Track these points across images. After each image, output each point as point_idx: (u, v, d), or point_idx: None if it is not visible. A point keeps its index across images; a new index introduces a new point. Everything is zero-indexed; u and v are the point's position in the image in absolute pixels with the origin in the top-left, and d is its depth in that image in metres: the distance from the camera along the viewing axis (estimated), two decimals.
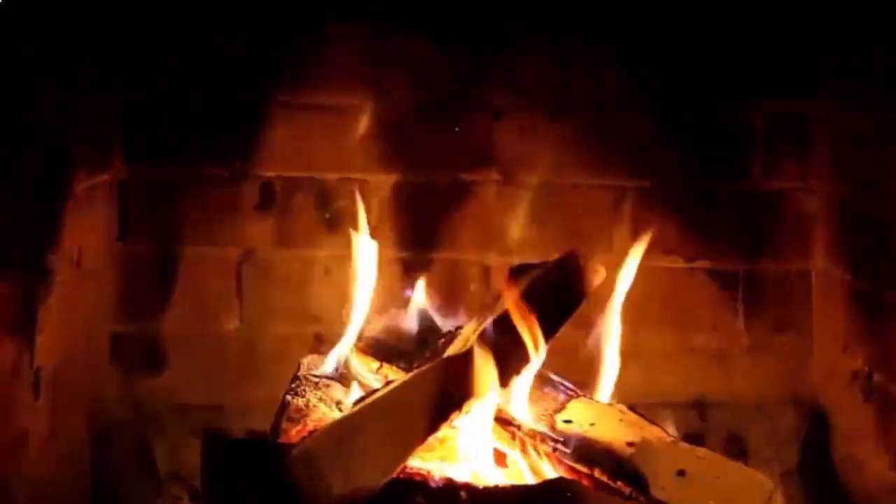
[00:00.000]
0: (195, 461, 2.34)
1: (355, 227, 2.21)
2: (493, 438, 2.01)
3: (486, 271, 2.46)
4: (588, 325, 2.26)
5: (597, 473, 1.92)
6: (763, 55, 2.43)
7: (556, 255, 2.12)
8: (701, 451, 2.02)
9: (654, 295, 2.48)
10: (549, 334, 2.00)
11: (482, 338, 1.96)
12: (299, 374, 2.12)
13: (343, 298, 2.20)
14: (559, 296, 2.04)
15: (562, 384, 2.09)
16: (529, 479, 1.97)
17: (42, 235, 2.01)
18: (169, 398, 2.44)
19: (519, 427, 2.00)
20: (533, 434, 2.00)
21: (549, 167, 2.45)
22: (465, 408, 1.93)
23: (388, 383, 1.97)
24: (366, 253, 2.20)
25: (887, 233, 2.17)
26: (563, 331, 2.06)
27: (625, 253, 2.15)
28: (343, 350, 2.15)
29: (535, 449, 1.99)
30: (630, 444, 1.93)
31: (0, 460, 1.88)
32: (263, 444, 1.99)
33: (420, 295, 2.21)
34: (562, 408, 2.03)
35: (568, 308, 2.05)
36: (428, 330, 2.15)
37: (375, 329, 2.16)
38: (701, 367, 2.50)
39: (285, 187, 2.46)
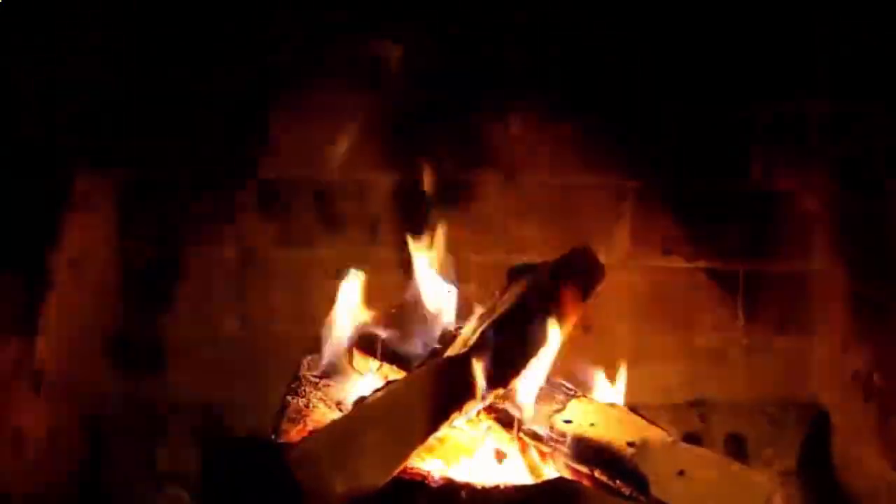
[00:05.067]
0: (195, 461, 2.35)
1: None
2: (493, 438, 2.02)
3: (486, 271, 2.46)
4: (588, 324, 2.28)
5: (597, 473, 1.93)
6: (763, 55, 2.43)
7: (556, 256, 2.12)
8: (701, 451, 2.02)
9: (654, 295, 2.48)
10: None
11: (482, 338, 1.97)
12: (299, 374, 2.12)
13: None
14: (565, 292, 2.05)
15: (562, 384, 2.09)
16: (529, 479, 1.97)
17: (42, 235, 2.01)
18: (169, 398, 2.44)
19: (519, 427, 2.01)
20: (533, 434, 2.00)
21: (549, 167, 2.45)
22: (465, 408, 1.93)
23: (388, 383, 1.97)
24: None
25: (887, 233, 2.18)
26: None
27: (625, 253, 2.15)
28: (340, 349, 2.15)
29: (536, 449, 1.99)
30: (630, 444, 1.93)
31: (0, 460, 1.88)
32: (264, 445, 1.99)
33: (420, 295, 2.21)
34: (562, 408, 2.03)
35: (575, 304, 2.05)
36: (428, 330, 2.15)
37: (375, 329, 2.16)
38: (701, 367, 2.50)
39: (285, 187, 2.46)
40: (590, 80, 2.44)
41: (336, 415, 2.02)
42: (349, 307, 2.16)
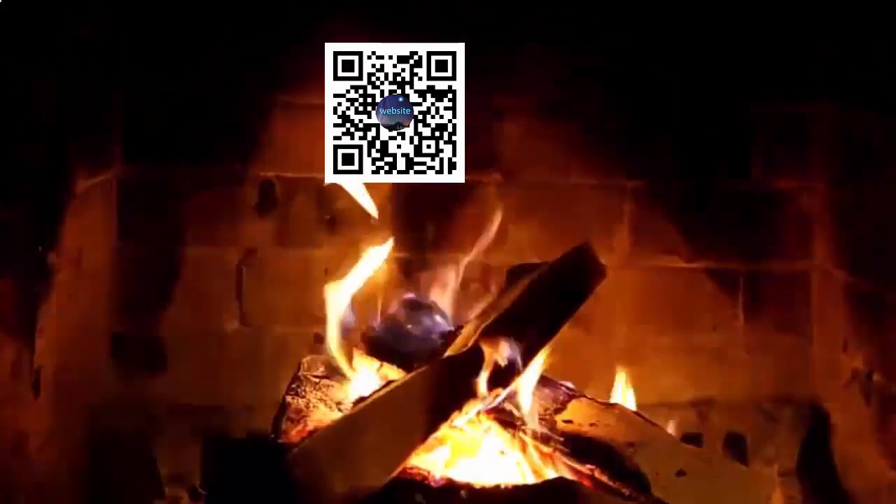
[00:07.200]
0: (195, 461, 2.35)
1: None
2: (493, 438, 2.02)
3: (486, 271, 2.46)
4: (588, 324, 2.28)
5: (597, 473, 1.92)
6: (763, 55, 2.43)
7: (556, 256, 2.12)
8: (701, 451, 2.02)
9: (654, 295, 2.48)
10: (551, 332, 2.00)
11: (482, 338, 1.96)
12: (299, 374, 2.12)
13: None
14: (563, 292, 2.05)
15: (562, 384, 2.10)
16: (529, 479, 1.97)
17: (42, 235, 2.01)
18: (169, 398, 2.44)
19: (519, 427, 2.00)
20: (533, 434, 2.00)
21: (549, 167, 2.45)
22: (465, 408, 1.93)
23: (388, 383, 1.97)
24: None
25: (887, 233, 2.18)
26: (564, 330, 2.07)
27: (625, 253, 2.15)
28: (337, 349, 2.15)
29: (536, 449, 1.99)
30: (630, 444, 1.93)
31: (0, 460, 1.88)
32: (264, 445, 1.99)
33: (420, 295, 2.21)
34: (562, 408, 2.03)
35: (572, 305, 2.05)
36: (428, 329, 2.15)
37: (375, 329, 2.16)
38: (701, 367, 2.50)
39: (285, 187, 2.46)
40: (590, 80, 2.44)
41: (336, 415, 2.02)
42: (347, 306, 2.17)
